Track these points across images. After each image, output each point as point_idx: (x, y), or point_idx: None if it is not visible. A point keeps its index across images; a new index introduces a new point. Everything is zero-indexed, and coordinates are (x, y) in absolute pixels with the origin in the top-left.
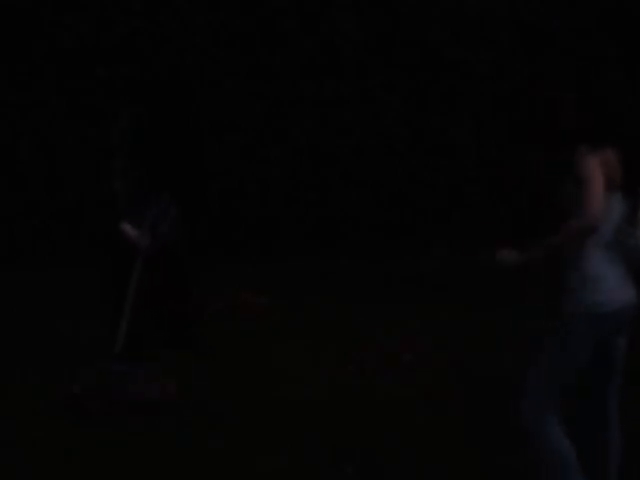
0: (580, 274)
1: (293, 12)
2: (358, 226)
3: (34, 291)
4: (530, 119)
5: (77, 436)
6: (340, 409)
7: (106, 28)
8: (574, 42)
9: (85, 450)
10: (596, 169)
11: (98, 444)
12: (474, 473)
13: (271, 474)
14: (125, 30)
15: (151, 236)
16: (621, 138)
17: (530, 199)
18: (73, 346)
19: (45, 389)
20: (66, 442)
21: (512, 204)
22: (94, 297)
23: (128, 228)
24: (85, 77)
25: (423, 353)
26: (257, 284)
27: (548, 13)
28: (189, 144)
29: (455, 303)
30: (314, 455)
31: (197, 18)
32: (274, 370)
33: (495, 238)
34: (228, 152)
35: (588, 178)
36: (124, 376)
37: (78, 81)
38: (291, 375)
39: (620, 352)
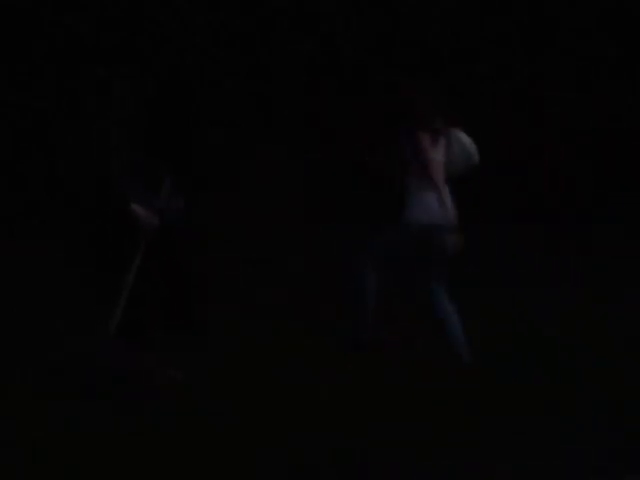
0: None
1: (293, 12)
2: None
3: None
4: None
5: (78, 436)
6: (342, 407)
7: (106, 28)
8: (574, 42)
9: (85, 450)
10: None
11: (98, 444)
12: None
13: (271, 474)
14: (125, 30)
15: (159, 221)
16: None
17: None
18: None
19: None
20: (67, 442)
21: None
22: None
23: (138, 208)
24: (85, 77)
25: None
26: None
27: (548, 13)
28: (190, 134)
29: None
30: (314, 455)
31: (197, 18)
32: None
33: None
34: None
35: None
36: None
37: (78, 81)
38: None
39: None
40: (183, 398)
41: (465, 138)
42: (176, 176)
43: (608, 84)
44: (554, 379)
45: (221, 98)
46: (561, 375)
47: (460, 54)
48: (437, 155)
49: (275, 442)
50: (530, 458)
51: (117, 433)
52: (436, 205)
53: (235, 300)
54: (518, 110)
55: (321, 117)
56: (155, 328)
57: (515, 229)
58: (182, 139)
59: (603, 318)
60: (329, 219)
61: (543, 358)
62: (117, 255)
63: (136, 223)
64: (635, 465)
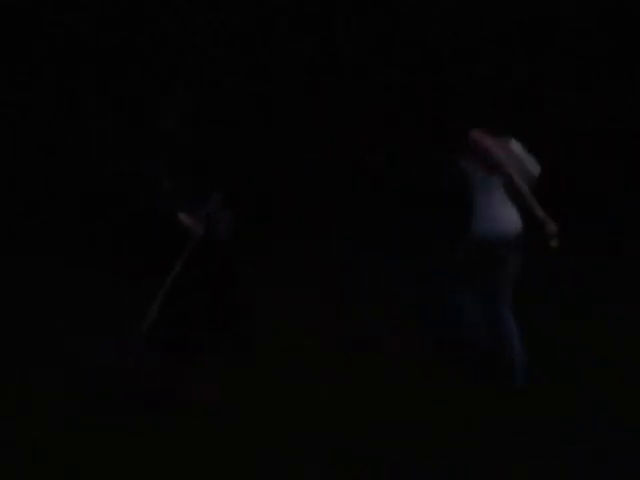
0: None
1: (293, 12)
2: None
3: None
4: None
5: (80, 436)
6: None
7: (106, 28)
8: (574, 42)
9: (87, 450)
10: None
11: (100, 444)
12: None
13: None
14: (125, 30)
15: (207, 233)
16: None
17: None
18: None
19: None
20: (68, 442)
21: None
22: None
23: (184, 217)
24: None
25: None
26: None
27: (549, 12)
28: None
29: None
30: (316, 456)
31: (197, 18)
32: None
33: None
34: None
35: None
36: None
37: (77, 81)
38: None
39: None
40: (183, 399)
41: (521, 150)
42: (224, 191)
43: (608, 84)
44: (554, 379)
45: (222, 98)
46: (561, 375)
47: (460, 54)
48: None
49: (275, 442)
50: (530, 458)
51: (120, 433)
52: (504, 218)
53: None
54: (518, 110)
55: (321, 117)
56: (200, 344)
57: None
58: (229, 153)
59: (603, 318)
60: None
61: (543, 358)
62: (161, 260)
63: (181, 231)
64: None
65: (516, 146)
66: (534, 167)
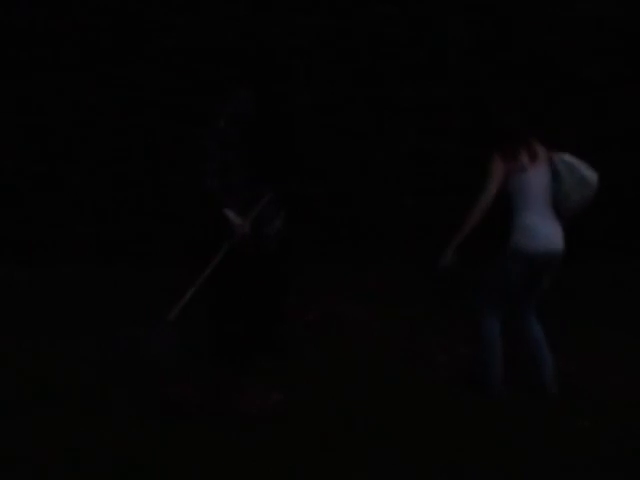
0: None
1: (399, 17)
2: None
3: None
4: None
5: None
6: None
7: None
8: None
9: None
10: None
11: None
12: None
13: None
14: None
15: (256, 234)
16: None
17: None
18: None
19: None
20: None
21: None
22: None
23: (230, 213)
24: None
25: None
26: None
27: None
28: (293, 140)
29: None
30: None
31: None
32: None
33: None
34: (327, 155)
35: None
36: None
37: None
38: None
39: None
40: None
41: (579, 164)
42: (277, 192)
43: None
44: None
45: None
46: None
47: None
48: (535, 177)
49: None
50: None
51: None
52: (542, 230)
53: None
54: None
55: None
56: (249, 351)
57: None
58: (284, 156)
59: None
60: None
61: None
62: (204, 254)
63: (226, 227)
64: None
65: (575, 161)
66: (590, 185)
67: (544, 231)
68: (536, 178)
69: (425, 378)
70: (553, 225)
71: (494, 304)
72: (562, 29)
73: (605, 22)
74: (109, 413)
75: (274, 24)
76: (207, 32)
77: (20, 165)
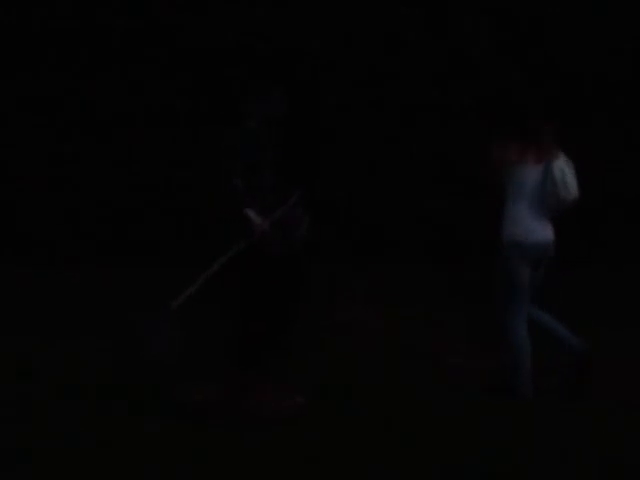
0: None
1: (421, 17)
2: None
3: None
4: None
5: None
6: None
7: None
8: None
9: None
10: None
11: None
12: None
13: None
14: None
15: (281, 235)
16: None
17: None
18: None
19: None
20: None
21: None
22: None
23: (250, 212)
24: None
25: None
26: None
27: None
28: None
29: None
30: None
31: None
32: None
33: None
34: (346, 159)
35: None
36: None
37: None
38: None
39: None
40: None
41: (566, 169)
42: (303, 193)
43: None
44: None
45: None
46: None
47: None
48: (531, 173)
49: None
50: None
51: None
52: (532, 222)
53: None
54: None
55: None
56: (272, 354)
57: None
58: (311, 158)
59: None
60: None
61: None
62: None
63: (246, 226)
64: None
65: (565, 166)
66: (567, 193)
67: (534, 223)
68: (532, 174)
69: (438, 379)
70: (543, 219)
71: (514, 305)
72: (581, 30)
73: (627, 24)
74: (109, 413)
75: (294, 26)
76: (223, 33)
77: (21, 165)
